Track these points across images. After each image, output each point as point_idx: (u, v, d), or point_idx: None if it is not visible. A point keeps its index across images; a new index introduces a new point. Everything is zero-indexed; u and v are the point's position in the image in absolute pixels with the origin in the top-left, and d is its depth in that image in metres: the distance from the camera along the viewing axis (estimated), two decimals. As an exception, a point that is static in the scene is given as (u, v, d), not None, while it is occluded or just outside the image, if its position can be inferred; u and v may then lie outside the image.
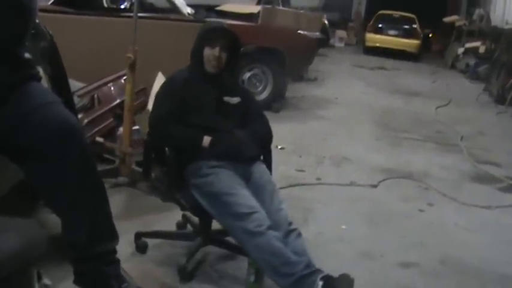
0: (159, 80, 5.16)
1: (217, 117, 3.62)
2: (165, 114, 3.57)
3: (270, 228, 3.26)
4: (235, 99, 3.75)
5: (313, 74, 13.36)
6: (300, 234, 3.42)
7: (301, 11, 12.64)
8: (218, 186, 3.40)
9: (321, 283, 3.15)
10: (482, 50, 17.56)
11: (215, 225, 3.72)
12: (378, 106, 10.80)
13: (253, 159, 3.70)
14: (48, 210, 2.88)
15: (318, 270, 3.22)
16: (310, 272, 3.20)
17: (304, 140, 7.54)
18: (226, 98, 3.71)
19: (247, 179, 3.54)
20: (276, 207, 3.47)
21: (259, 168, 3.68)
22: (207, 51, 3.62)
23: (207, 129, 3.55)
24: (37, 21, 3.08)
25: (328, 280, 3.17)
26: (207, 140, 3.53)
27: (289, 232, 3.38)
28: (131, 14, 5.30)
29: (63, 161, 2.47)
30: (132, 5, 8.18)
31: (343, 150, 7.15)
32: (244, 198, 3.36)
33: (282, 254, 3.21)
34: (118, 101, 5.35)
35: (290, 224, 3.43)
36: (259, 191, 3.50)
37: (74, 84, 4.80)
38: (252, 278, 3.47)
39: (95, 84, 5.43)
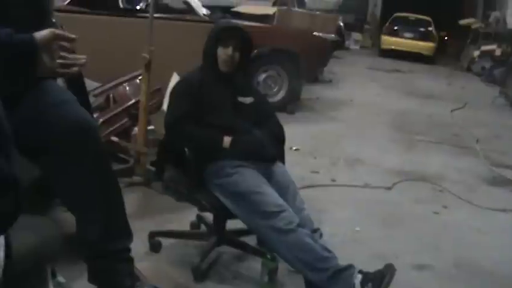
0: (174, 80, 5.17)
1: (233, 117, 3.60)
2: (182, 114, 3.55)
3: (299, 225, 3.27)
4: (249, 99, 3.75)
5: (328, 76, 13.35)
6: (322, 234, 3.45)
7: (317, 13, 12.66)
8: (243, 186, 3.39)
9: (360, 276, 3.18)
10: (498, 53, 17.51)
11: (229, 225, 3.73)
12: (392, 108, 10.78)
13: (274, 158, 3.69)
14: (63, 208, 2.90)
15: (352, 265, 3.25)
16: (345, 266, 3.22)
17: (319, 142, 7.53)
18: (240, 98, 3.71)
19: (269, 178, 3.52)
20: (299, 206, 3.48)
21: (280, 167, 3.68)
22: (221, 51, 3.61)
23: (224, 130, 3.54)
24: (53, 20, 3.09)
25: (366, 274, 3.19)
26: (227, 140, 3.51)
27: (314, 231, 3.39)
28: (146, 15, 5.32)
29: (79, 159, 2.48)
30: (147, 5, 8.21)
31: (358, 152, 7.14)
32: (272, 196, 3.35)
33: (314, 250, 3.23)
34: (133, 100, 5.37)
35: (312, 223, 3.44)
36: (282, 190, 3.49)
37: (90, 84, 4.83)
38: (266, 279, 3.47)
39: (111, 84, 5.45)
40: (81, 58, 2.35)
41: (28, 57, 2.17)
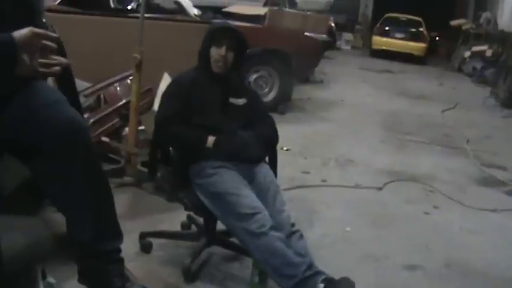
0: (165, 80, 5.17)
1: (222, 118, 3.61)
2: (171, 114, 3.56)
3: (272, 228, 3.25)
4: (241, 101, 3.74)
5: (319, 76, 13.36)
6: (302, 236, 3.42)
7: (308, 13, 12.64)
8: (221, 187, 3.40)
9: (321, 285, 3.16)
10: (489, 53, 17.55)
11: (220, 225, 3.73)
12: (383, 109, 10.79)
13: (257, 160, 3.69)
14: (54, 209, 2.89)
15: (320, 272, 3.22)
16: (311, 274, 3.20)
17: (310, 142, 7.54)
18: (232, 99, 3.70)
19: (251, 179, 3.54)
20: (278, 208, 3.48)
21: (263, 169, 3.68)
22: (214, 51, 3.62)
23: (212, 130, 3.54)
24: (44, 20, 3.08)
25: (329, 283, 3.17)
26: (210, 140, 3.52)
27: (292, 233, 3.38)
28: (138, 15, 5.31)
29: (69, 159, 2.48)
30: (138, 5, 8.20)
31: (349, 152, 7.15)
32: (248, 198, 3.35)
33: (283, 255, 3.21)
34: (124, 101, 5.36)
35: (293, 225, 3.43)
36: (262, 192, 3.50)
37: (81, 84, 4.82)
38: (256, 279, 3.47)
39: (101, 84, 5.44)
40: (63, 59, 2.32)
41: (7, 58, 2.14)
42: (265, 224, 3.25)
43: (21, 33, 2.14)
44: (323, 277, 3.20)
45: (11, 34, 2.13)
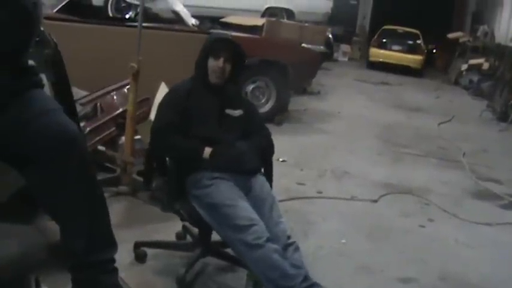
0: (162, 90, 5.16)
1: (218, 129, 3.61)
2: (167, 124, 3.56)
3: (268, 240, 3.25)
4: (237, 112, 3.75)
5: (316, 87, 13.35)
6: (298, 248, 3.42)
7: (306, 24, 12.68)
8: (218, 198, 3.40)
9: None
10: (486, 66, 17.54)
11: (215, 236, 3.72)
12: (380, 121, 10.78)
13: (254, 171, 3.69)
14: (48, 217, 2.88)
15: (316, 284, 3.23)
16: (307, 286, 3.21)
17: (306, 153, 7.53)
18: (228, 111, 3.71)
19: (247, 191, 3.54)
20: (275, 220, 3.48)
21: (259, 180, 3.68)
22: (211, 62, 3.62)
23: (208, 141, 3.54)
24: (42, 28, 3.09)
25: None
26: (207, 151, 3.52)
27: (288, 245, 3.38)
28: (135, 24, 5.32)
29: (63, 169, 2.47)
30: (136, 15, 8.22)
31: (345, 164, 7.14)
32: (244, 210, 3.35)
33: (279, 267, 3.22)
34: (121, 110, 5.36)
35: (289, 237, 3.43)
36: (258, 203, 3.50)
37: (77, 93, 4.81)
38: (251, 290, 3.47)
39: (98, 93, 5.44)
40: None
41: None
42: (261, 236, 3.26)
43: None
44: None
45: None
